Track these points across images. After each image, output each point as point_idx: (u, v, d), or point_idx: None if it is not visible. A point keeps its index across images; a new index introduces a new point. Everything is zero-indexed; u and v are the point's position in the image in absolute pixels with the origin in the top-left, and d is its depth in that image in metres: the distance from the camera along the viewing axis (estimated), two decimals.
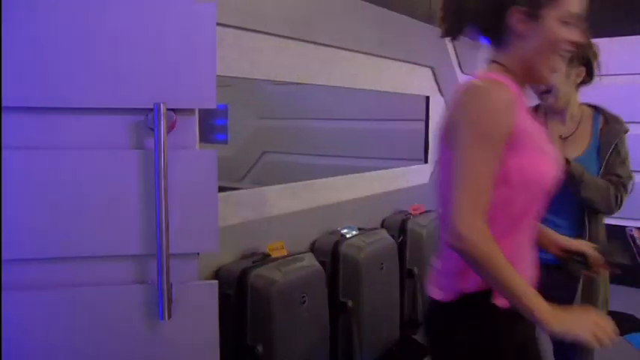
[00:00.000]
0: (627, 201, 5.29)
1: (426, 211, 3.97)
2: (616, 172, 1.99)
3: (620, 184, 1.96)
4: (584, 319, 1.19)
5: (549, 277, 1.58)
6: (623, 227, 2.95)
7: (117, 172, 1.56)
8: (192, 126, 1.63)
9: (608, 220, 4.40)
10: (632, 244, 2.76)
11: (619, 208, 1.93)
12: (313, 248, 3.11)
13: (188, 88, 1.58)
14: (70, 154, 1.53)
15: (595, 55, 2.01)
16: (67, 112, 1.52)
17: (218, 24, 2.49)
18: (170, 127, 1.55)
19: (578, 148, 2.04)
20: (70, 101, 1.51)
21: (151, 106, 1.53)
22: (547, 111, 2.11)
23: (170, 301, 1.55)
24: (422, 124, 4.47)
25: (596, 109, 2.09)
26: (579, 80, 2.01)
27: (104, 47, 1.51)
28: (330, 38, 3.25)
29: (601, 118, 2.06)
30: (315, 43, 3.14)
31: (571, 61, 1.92)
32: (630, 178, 2.02)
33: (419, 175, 4.41)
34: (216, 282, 1.72)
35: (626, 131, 2.03)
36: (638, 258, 2.73)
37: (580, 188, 1.92)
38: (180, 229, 1.59)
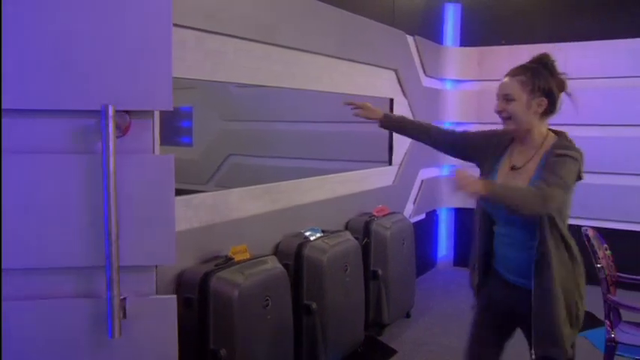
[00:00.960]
0: (583, 202, 5.45)
1: (390, 213, 4.00)
2: (542, 178, 1.90)
3: (544, 182, 1.85)
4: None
5: (512, 294, 2.07)
6: (580, 226, 3.03)
7: (64, 177, 1.46)
8: (148, 129, 1.54)
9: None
10: (587, 243, 2.83)
11: (552, 203, 1.83)
12: (277, 251, 3.11)
13: (142, 90, 1.49)
14: (16, 158, 1.43)
15: (561, 87, 2.04)
16: (13, 114, 1.43)
17: (180, 26, 2.49)
18: (124, 131, 1.48)
19: (525, 178, 2.00)
20: (17, 103, 1.42)
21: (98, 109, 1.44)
22: (514, 137, 2.11)
23: (120, 317, 1.44)
24: None
25: (559, 137, 2.05)
26: (541, 110, 2.01)
27: (52, 47, 1.43)
28: (293, 41, 3.25)
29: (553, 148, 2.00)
30: (278, 45, 3.14)
31: (532, 92, 1.99)
32: (559, 183, 1.87)
33: (383, 177, 4.45)
34: (174, 297, 1.60)
35: (572, 157, 1.92)
36: (592, 257, 2.80)
37: (503, 203, 1.88)
38: (135, 240, 1.49)
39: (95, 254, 1.46)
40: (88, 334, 1.49)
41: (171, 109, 1.50)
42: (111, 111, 1.40)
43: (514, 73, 2.05)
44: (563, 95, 2.06)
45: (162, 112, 2.42)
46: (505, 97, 2.05)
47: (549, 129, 2.07)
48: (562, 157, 1.93)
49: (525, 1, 5.28)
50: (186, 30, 2.52)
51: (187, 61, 2.56)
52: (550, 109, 2.03)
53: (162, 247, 1.52)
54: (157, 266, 1.55)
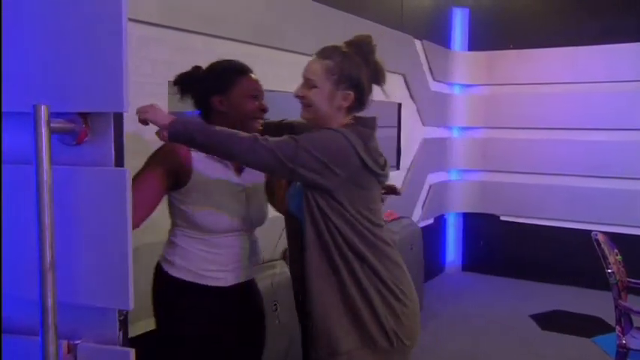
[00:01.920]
0: (592, 207, 5.42)
1: (399, 218, 3.99)
2: None
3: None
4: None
5: None
6: (589, 231, 3.01)
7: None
8: (106, 137, 1.24)
9: (574, 225, 4.51)
10: (597, 248, 2.81)
11: (264, 149, 1.58)
12: (285, 256, 3.10)
13: (91, 90, 1.21)
14: None
15: (376, 80, 1.79)
16: None
17: (187, 31, 2.50)
18: (79, 138, 1.23)
19: None
20: None
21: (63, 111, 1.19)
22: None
23: None
24: (394, 131, 4.51)
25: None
26: (346, 104, 1.73)
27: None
28: (301, 45, 3.25)
29: None
30: (285, 50, 3.14)
31: (338, 84, 1.71)
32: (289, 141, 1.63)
33: (391, 181, 4.43)
34: (131, 351, 1.21)
35: (336, 131, 1.68)
36: (602, 262, 2.78)
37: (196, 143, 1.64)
38: (85, 273, 1.21)
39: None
40: None
41: (125, 111, 1.21)
42: (44, 112, 1.11)
43: (323, 54, 1.77)
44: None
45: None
46: (307, 82, 1.76)
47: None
48: (321, 130, 1.72)
49: (533, 5, 5.27)
50: (194, 35, 2.53)
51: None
52: (357, 104, 1.75)
53: (117, 285, 1.20)
54: (122, 310, 1.23)
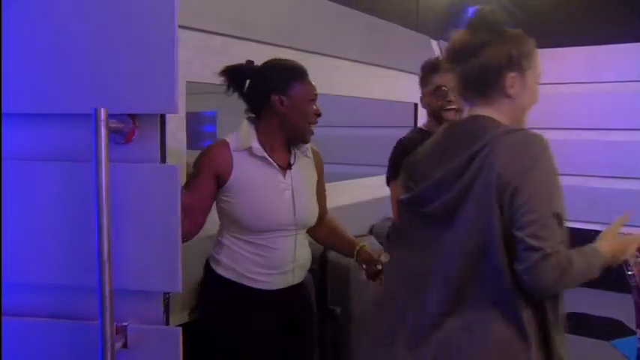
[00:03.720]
0: (612, 208, 5.36)
1: None
2: None
3: None
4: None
5: None
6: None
7: (58, 187, 1.34)
8: (153, 136, 1.36)
9: (594, 227, 4.45)
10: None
11: None
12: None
13: (144, 93, 1.33)
14: (12, 165, 1.33)
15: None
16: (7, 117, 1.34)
17: (206, 31, 2.50)
18: (128, 138, 1.34)
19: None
20: (12, 107, 1.33)
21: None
22: None
23: (112, 345, 1.25)
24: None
25: None
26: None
27: (51, 48, 1.32)
28: (318, 46, 3.25)
29: None
30: (302, 50, 3.14)
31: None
32: None
33: None
34: (179, 328, 1.38)
35: None
36: (622, 263, 2.74)
37: None
38: (135, 261, 1.33)
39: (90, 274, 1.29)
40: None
41: (177, 113, 1.34)
42: (103, 115, 1.22)
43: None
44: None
45: (187, 117, 2.46)
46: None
47: None
48: None
49: (549, 5, 5.22)
50: (213, 35, 2.54)
51: (212, 66, 2.57)
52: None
53: (166, 271, 1.32)
54: (166, 293, 1.38)
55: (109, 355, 1.23)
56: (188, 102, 2.45)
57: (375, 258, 2.01)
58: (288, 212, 1.88)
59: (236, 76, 1.92)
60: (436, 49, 4.73)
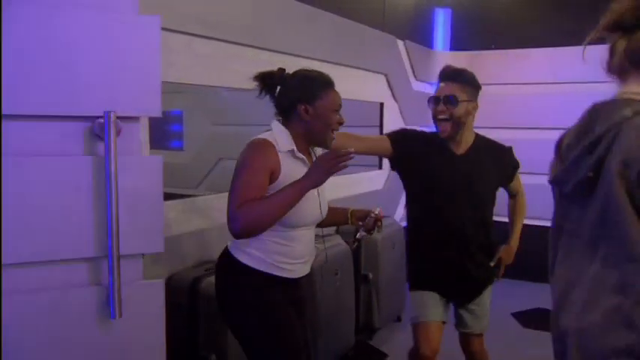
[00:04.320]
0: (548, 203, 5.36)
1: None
2: None
3: None
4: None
5: None
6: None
7: (67, 178, 1.57)
8: (136, 133, 1.66)
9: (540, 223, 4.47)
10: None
11: None
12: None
13: (133, 97, 1.60)
14: (23, 161, 1.52)
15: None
16: (19, 119, 1.51)
17: (169, 30, 2.48)
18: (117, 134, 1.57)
19: None
20: (22, 108, 1.51)
21: (98, 114, 1.55)
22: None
23: (120, 300, 1.60)
24: (376, 130, 4.52)
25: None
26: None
27: (55, 56, 1.52)
28: (284, 45, 3.25)
29: None
30: (269, 50, 3.14)
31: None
32: None
33: (373, 181, 4.46)
34: (161, 281, 1.78)
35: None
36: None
37: None
38: (128, 232, 1.63)
39: (96, 246, 1.63)
40: (90, 318, 1.64)
41: (160, 116, 1.61)
42: (112, 117, 1.53)
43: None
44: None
45: (151, 117, 2.43)
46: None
47: None
48: None
49: (514, 6, 5.32)
50: (176, 34, 2.52)
51: (177, 65, 2.55)
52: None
53: (153, 237, 1.72)
54: (142, 255, 1.74)
55: (117, 307, 1.60)
56: (164, 101, 2.43)
57: (366, 211, 2.20)
58: (317, 209, 2.02)
59: (268, 81, 2.04)
60: (402, 49, 4.78)
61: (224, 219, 2.86)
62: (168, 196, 2.79)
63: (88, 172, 1.58)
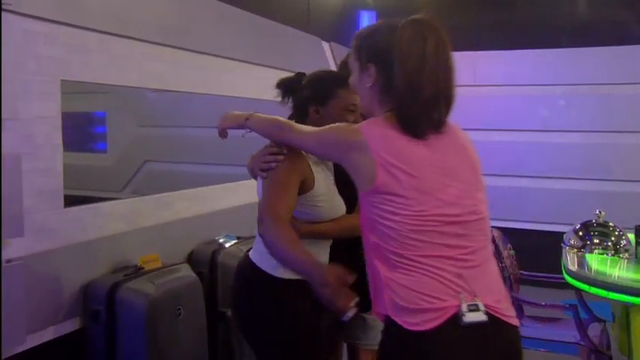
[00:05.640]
0: (490, 203, 5.58)
1: None
2: None
3: None
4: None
5: None
6: None
7: None
8: None
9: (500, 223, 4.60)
10: (492, 244, 2.95)
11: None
12: (191, 259, 3.05)
13: None
14: None
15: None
16: None
17: (81, 27, 2.40)
18: None
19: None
20: None
21: None
22: None
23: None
24: None
25: None
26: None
27: None
28: (204, 45, 3.21)
29: None
30: (189, 50, 3.09)
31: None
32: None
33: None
34: (20, 263, 2.05)
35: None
36: (497, 257, 2.93)
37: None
38: None
39: None
40: None
41: (16, 117, 1.85)
42: None
43: None
44: None
45: (76, 117, 2.37)
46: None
47: None
48: None
49: (438, 10, 5.47)
50: (89, 32, 2.44)
51: (91, 65, 2.47)
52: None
53: (11, 223, 1.99)
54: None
55: None
56: (75, 102, 2.36)
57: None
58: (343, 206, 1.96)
59: (288, 87, 2.00)
60: (327, 50, 4.82)
61: (146, 222, 2.85)
62: (87, 200, 2.73)
63: None
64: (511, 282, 2.95)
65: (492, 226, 3.07)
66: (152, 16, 2.81)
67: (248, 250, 1.96)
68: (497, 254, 2.94)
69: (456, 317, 1.34)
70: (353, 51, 1.65)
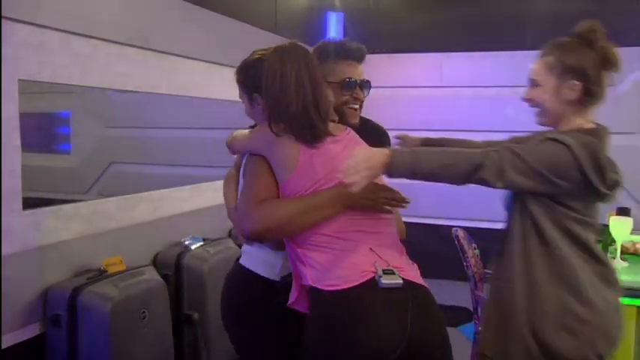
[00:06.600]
0: (454, 203, 5.68)
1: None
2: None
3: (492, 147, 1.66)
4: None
5: None
6: (451, 227, 3.20)
7: None
8: None
9: (436, 222, 4.72)
10: (457, 244, 2.99)
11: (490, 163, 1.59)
12: (156, 261, 3.02)
13: None
14: None
15: (606, 66, 1.63)
16: None
17: (41, 26, 2.35)
18: None
19: None
20: None
21: None
22: None
23: None
24: None
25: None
26: (574, 96, 1.63)
27: None
28: (171, 46, 3.18)
29: None
30: (154, 50, 3.05)
31: (561, 76, 1.64)
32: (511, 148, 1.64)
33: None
34: None
35: (560, 141, 1.58)
36: (461, 256, 2.97)
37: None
38: None
39: None
40: None
41: None
42: None
43: (542, 52, 1.71)
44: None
45: (38, 117, 2.32)
46: (532, 83, 1.73)
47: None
48: (545, 140, 1.62)
49: (406, 13, 5.51)
50: (50, 31, 2.38)
51: (52, 64, 2.42)
52: (587, 96, 1.63)
53: None
54: None
55: None
56: (38, 101, 2.30)
57: None
58: None
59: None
60: None
61: (109, 224, 2.80)
62: (49, 202, 2.66)
63: None
64: (475, 281, 2.98)
65: (457, 226, 3.15)
66: (117, 16, 2.77)
67: (237, 260, 1.93)
68: (462, 253, 2.97)
69: (374, 280, 1.47)
70: (238, 85, 1.86)
